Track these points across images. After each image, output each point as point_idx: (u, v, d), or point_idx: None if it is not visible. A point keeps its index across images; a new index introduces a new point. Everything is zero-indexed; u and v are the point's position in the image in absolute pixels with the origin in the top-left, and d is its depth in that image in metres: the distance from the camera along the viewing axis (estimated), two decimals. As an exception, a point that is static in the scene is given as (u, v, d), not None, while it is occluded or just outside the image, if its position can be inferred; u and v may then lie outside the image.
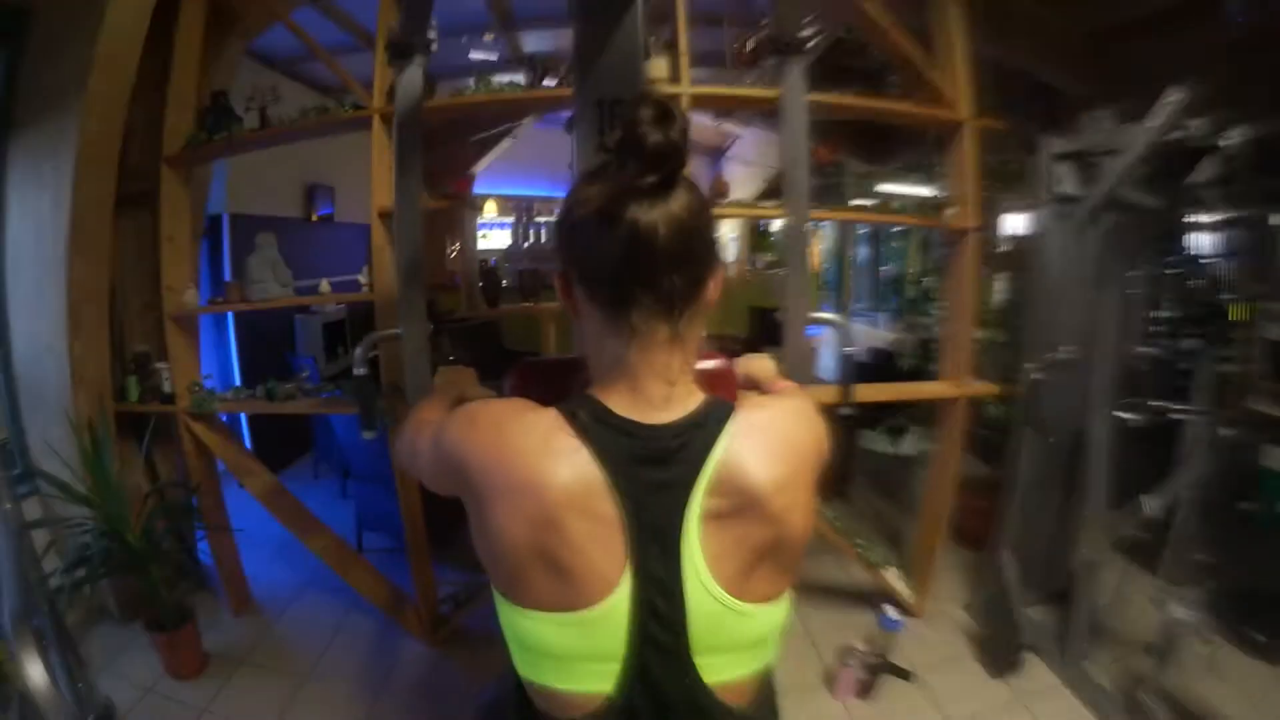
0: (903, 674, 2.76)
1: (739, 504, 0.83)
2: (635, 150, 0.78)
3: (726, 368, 1.37)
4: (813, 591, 3.40)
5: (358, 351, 1.74)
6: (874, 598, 3.22)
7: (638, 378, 0.85)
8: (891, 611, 2.81)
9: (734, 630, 0.85)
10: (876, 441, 5.26)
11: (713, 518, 0.83)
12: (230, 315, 4.55)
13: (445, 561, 3.28)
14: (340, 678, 2.83)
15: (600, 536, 0.81)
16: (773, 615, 0.89)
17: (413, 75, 1.35)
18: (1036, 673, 2.78)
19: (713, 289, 0.88)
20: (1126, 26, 4.03)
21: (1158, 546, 2.35)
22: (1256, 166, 4.72)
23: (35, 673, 1.94)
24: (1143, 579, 2.87)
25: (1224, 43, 3.57)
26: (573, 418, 0.84)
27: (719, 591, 0.83)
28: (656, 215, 0.79)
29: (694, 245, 0.82)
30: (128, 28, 2.67)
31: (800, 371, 1.50)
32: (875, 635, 2.85)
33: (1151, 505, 2.29)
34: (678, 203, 0.80)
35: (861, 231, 13.80)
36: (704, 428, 0.85)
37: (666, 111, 0.78)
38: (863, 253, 14.42)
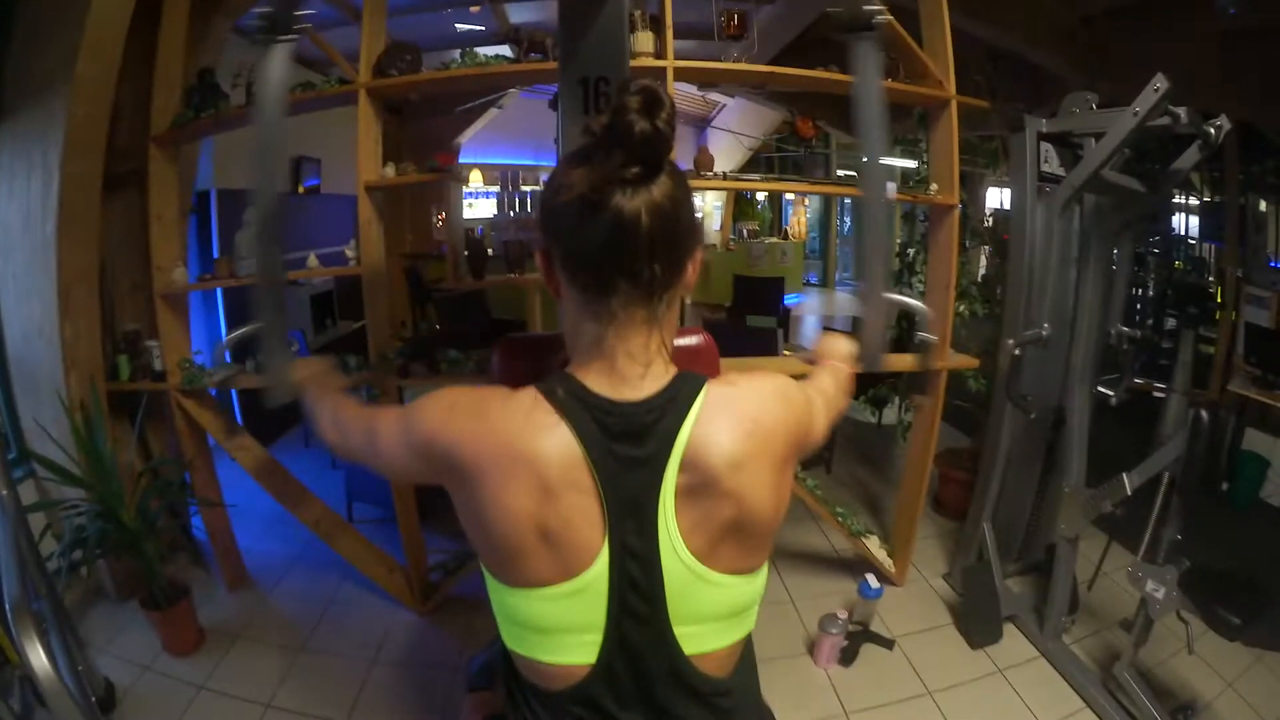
0: (884, 643, 2.83)
1: (704, 480, 0.85)
2: (622, 138, 0.78)
3: (706, 342, 1.41)
4: (794, 559, 3.47)
5: (215, 351, 1.56)
6: (855, 566, 3.30)
7: (615, 358, 0.87)
8: (872, 580, 2.87)
9: (710, 601, 0.89)
10: (858, 411, 5.34)
11: (685, 493, 0.85)
12: (219, 291, 4.54)
13: (434, 530, 3.32)
14: (335, 648, 2.88)
15: (583, 508, 0.84)
16: (748, 587, 0.92)
17: (279, 57, 1.29)
18: (1015, 644, 2.85)
19: (691, 271, 0.90)
20: (1119, 12, 4.05)
21: (1136, 524, 2.40)
22: (1240, 153, 4.80)
23: (37, 658, 1.97)
24: (1122, 556, 2.95)
25: (1215, 33, 3.60)
26: (551, 395, 0.86)
27: (693, 562, 0.86)
28: (639, 203, 0.80)
29: (675, 231, 0.84)
30: (114, 11, 2.64)
31: (871, 357, 1.47)
32: (856, 603, 2.92)
33: (1132, 483, 2.35)
34: (660, 190, 0.81)
35: (847, 202, 13.86)
36: (675, 403, 0.87)
37: (655, 99, 0.79)
38: (848, 224, 14.50)
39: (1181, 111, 2.19)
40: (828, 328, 6.55)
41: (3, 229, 2.84)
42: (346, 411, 1.15)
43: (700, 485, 0.85)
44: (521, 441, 0.83)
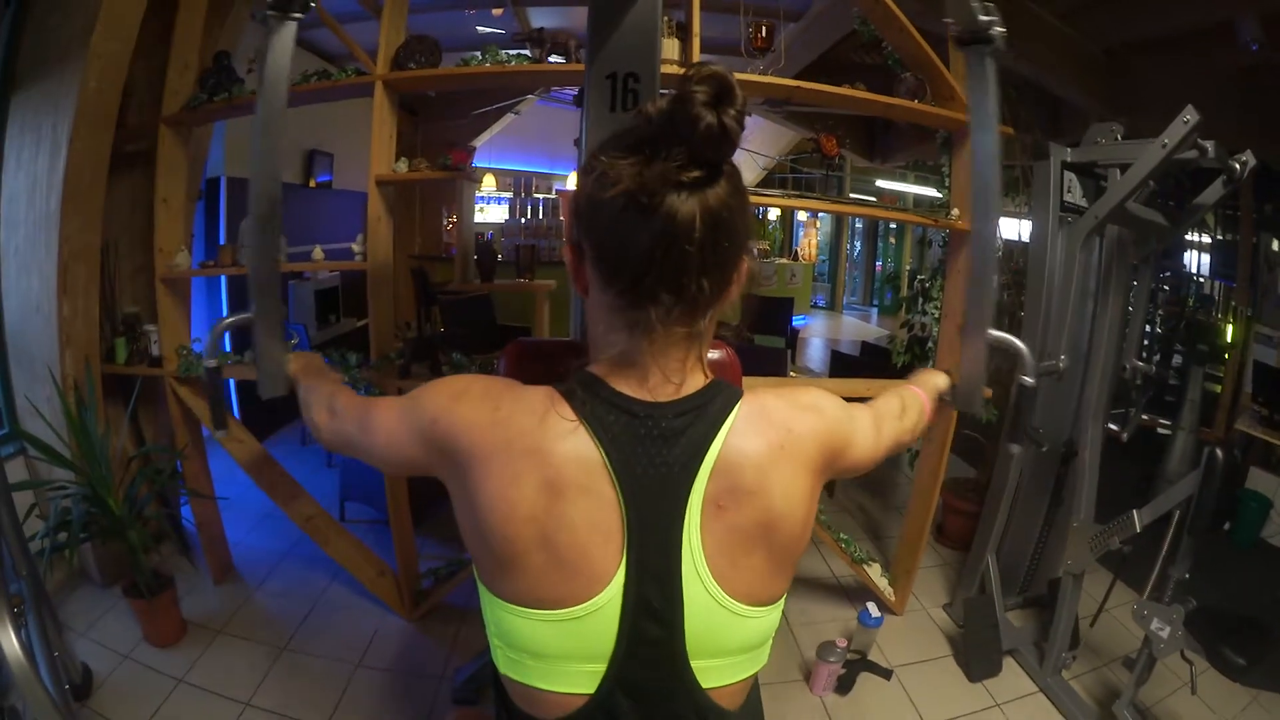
0: (882, 672, 2.77)
1: (733, 488, 0.79)
2: (685, 131, 0.70)
3: (729, 357, 1.36)
4: (795, 585, 3.39)
5: (208, 341, 1.53)
6: (855, 593, 3.24)
7: (647, 370, 0.80)
8: (873, 608, 2.81)
9: (731, 633, 0.83)
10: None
11: (713, 505, 0.79)
12: (223, 280, 4.50)
13: (428, 535, 3.28)
14: (318, 649, 2.81)
15: (598, 523, 0.77)
16: (767, 620, 0.87)
17: (287, 35, 1.24)
18: (1014, 678, 2.80)
19: (736, 286, 0.83)
20: (1143, 46, 4.05)
21: (1141, 563, 2.35)
22: (1256, 192, 4.79)
23: (8, 642, 1.91)
24: (1125, 593, 2.89)
25: (1237, 68, 3.60)
26: (570, 395, 0.80)
27: (715, 588, 0.80)
28: (694, 208, 0.71)
29: (729, 243, 0.76)
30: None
31: (967, 398, 1.43)
32: (855, 631, 2.87)
33: (1142, 520, 2.30)
34: (716, 195, 0.73)
35: (859, 225, 13.90)
36: (709, 409, 0.81)
37: (726, 89, 0.70)
38: (858, 248, 14.56)
39: (1209, 145, 2.16)
40: (835, 351, 6.53)
41: (9, 200, 2.79)
42: (343, 398, 1.11)
43: (729, 495, 0.79)
44: (532, 438, 0.77)
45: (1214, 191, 2.39)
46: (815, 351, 9.19)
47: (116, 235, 3.10)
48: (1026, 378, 1.40)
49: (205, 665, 2.68)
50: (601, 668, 0.80)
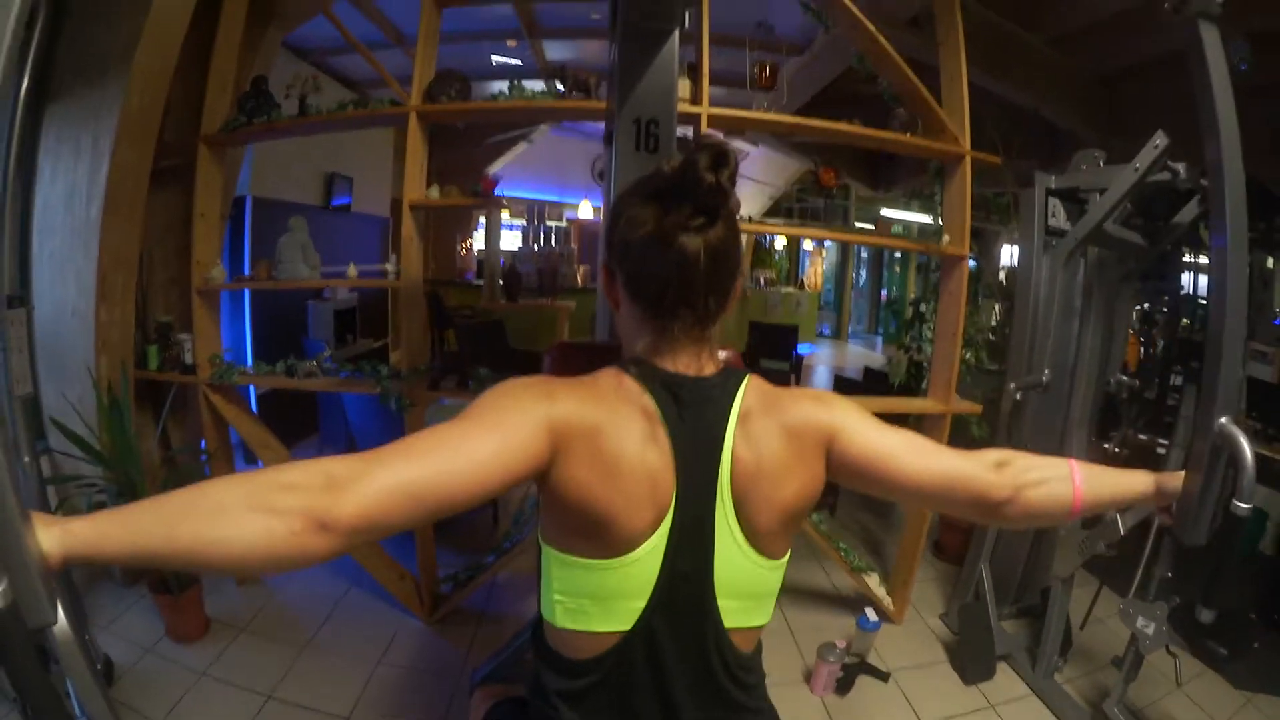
0: (879, 674, 2.87)
1: (750, 446, 0.98)
2: (691, 188, 0.91)
3: (733, 357, 1.53)
4: (796, 594, 3.52)
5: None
6: (855, 603, 3.33)
7: (675, 357, 1.01)
8: (870, 613, 2.93)
9: (747, 577, 1.01)
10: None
11: (737, 460, 0.98)
12: (247, 295, 4.66)
13: (447, 545, 3.39)
14: (339, 648, 2.92)
15: (661, 468, 0.95)
16: (772, 575, 1.04)
17: None
18: (1008, 682, 2.89)
19: (733, 299, 1.04)
20: (1134, 70, 4.19)
21: (1128, 566, 2.46)
22: (1249, 210, 4.90)
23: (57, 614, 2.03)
24: (1114, 598, 2.99)
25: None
26: (627, 370, 1.00)
27: (740, 537, 0.98)
28: (700, 245, 0.93)
29: (727, 268, 0.98)
30: (176, 6, 2.79)
31: (1188, 519, 1.12)
32: (854, 635, 2.97)
33: (1125, 523, 2.41)
34: (717, 234, 0.95)
35: (864, 255, 14.07)
36: (727, 384, 1.02)
37: (722, 157, 0.92)
38: (863, 276, 14.71)
39: (1180, 167, 2.31)
40: (838, 376, 6.66)
41: (44, 207, 2.92)
42: (329, 464, 0.79)
43: (740, 449, 0.98)
44: (621, 401, 0.97)
45: (1189, 211, 2.54)
46: (820, 378, 9.31)
47: (151, 247, 3.26)
48: (1241, 504, 1.07)
49: (228, 660, 2.78)
50: (643, 602, 0.97)
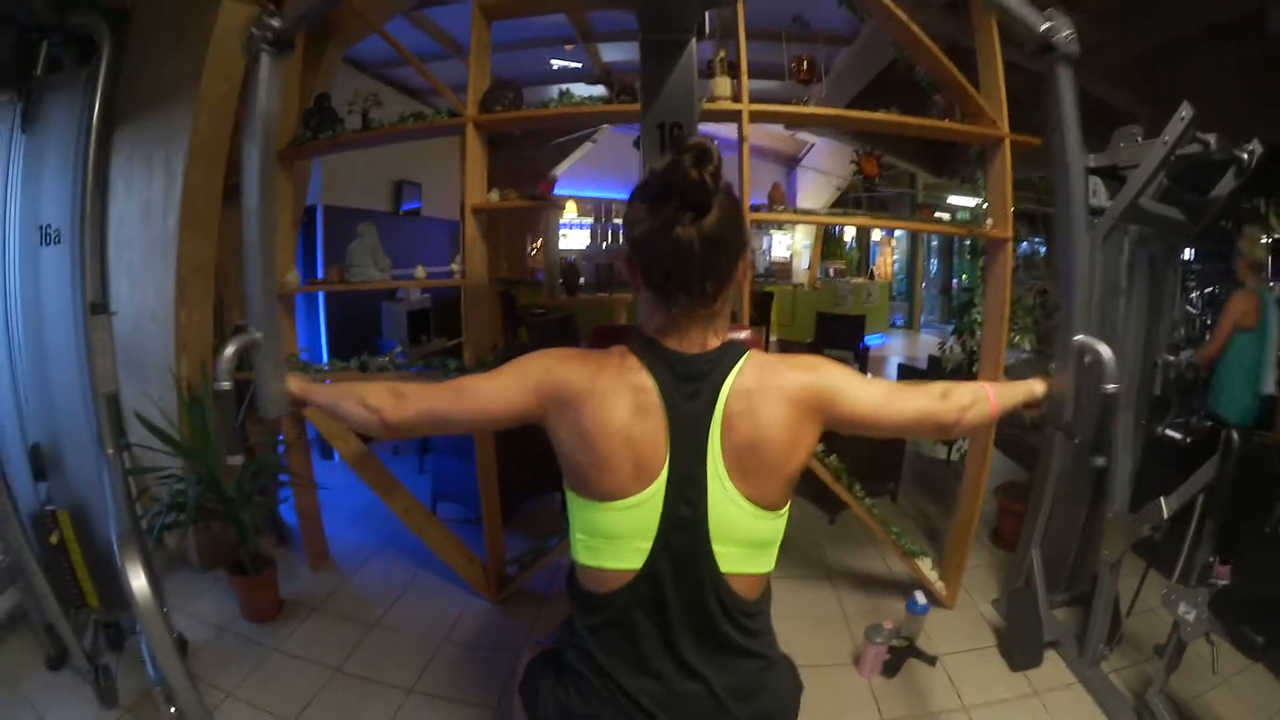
0: (927, 658, 2.89)
1: (740, 414, 1.11)
2: (679, 185, 1.03)
3: (752, 337, 1.62)
4: (850, 578, 3.57)
5: (221, 365, 1.37)
6: (908, 588, 3.34)
7: (681, 336, 1.15)
8: (919, 596, 2.95)
9: (738, 523, 1.13)
10: (926, 447, 5.42)
11: (727, 425, 1.11)
12: (321, 299, 4.91)
13: (513, 531, 3.57)
14: (408, 626, 3.09)
15: (655, 433, 1.11)
16: (766, 524, 1.16)
17: (279, 69, 1.39)
18: (1055, 670, 2.88)
19: (741, 271, 1.15)
20: (1175, 44, 4.08)
21: (1174, 550, 2.43)
22: None
23: (138, 581, 2.24)
24: (1162, 583, 2.95)
25: (1258, 59, 3.59)
26: (632, 349, 1.16)
27: (731, 488, 1.12)
28: (693, 236, 1.05)
29: (724, 252, 1.09)
30: (236, 34, 2.98)
31: (1056, 408, 1.39)
32: (904, 619, 3.00)
33: (1169, 506, 2.39)
34: (710, 223, 1.05)
35: (934, 244, 13.81)
36: (724, 359, 1.14)
37: (704, 154, 1.04)
38: (934, 266, 14.44)
39: (1211, 138, 2.27)
40: (902, 364, 6.62)
41: (120, 221, 3.19)
42: (405, 386, 1.25)
43: (735, 417, 1.11)
44: (618, 377, 1.13)
45: (1227, 183, 2.49)
46: (889, 368, 9.20)
47: (226, 258, 3.49)
48: (1109, 385, 1.31)
49: (299, 637, 2.99)
50: (649, 544, 1.13)
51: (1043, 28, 1.26)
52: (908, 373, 5.79)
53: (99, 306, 2.47)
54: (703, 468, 1.11)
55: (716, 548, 1.13)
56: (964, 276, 13.43)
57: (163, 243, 3.11)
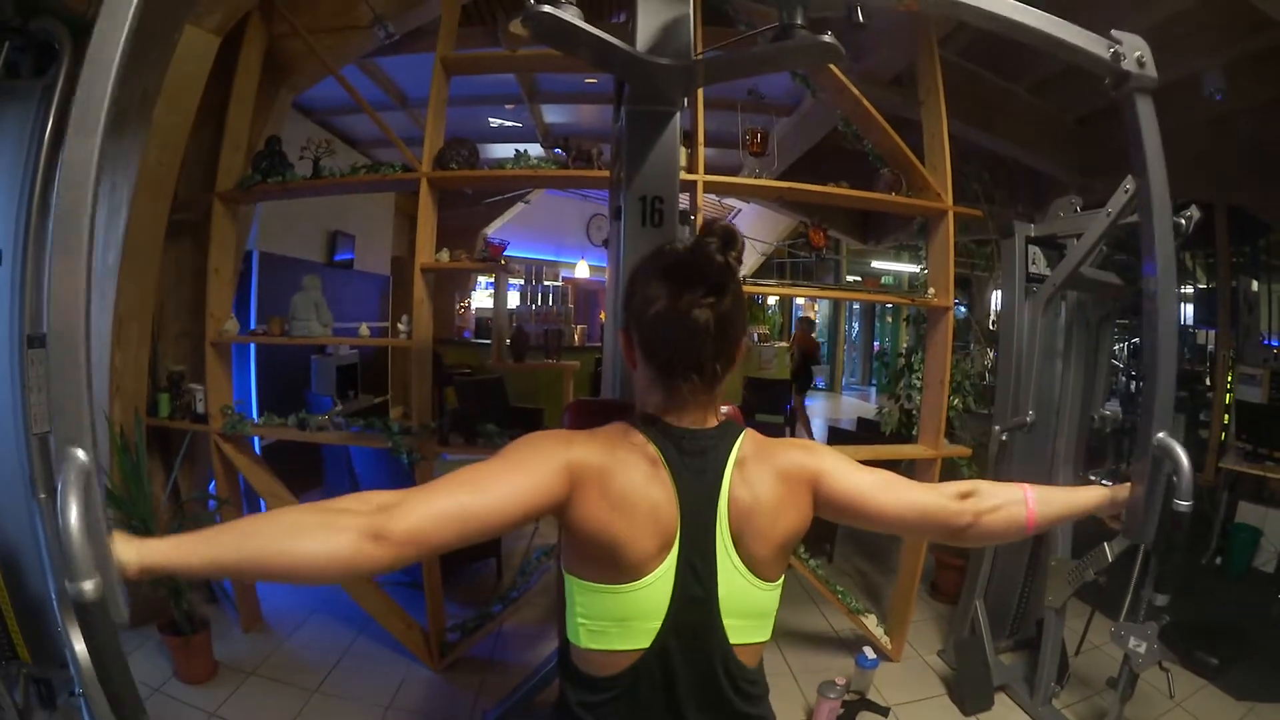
0: (879, 710, 2.91)
1: (743, 486, 1.11)
2: (704, 267, 1.05)
3: (733, 412, 1.64)
4: (795, 638, 3.56)
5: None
6: (853, 644, 3.38)
7: (681, 414, 1.13)
8: (869, 651, 3.00)
9: (748, 598, 1.12)
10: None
11: (732, 499, 1.10)
12: (252, 348, 4.74)
13: (451, 598, 3.45)
14: (348, 694, 2.94)
15: (668, 503, 1.07)
16: (768, 596, 1.16)
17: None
18: (1007, 710, 2.95)
19: (738, 361, 1.15)
20: (1109, 111, 4.33)
21: (1118, 593, 2.55)
22: (1231, 237, 5.04)
23: (81, 647, 2.07)
24: (1107, 624, 3.06)
25: (1203, 120, 3.85)
26: (635, 424, 1.13)
27: (739, 563, 1.10)
28: (709, 318, 1.04)
29: (732, 335, 1.09)
30: (194, 67, 2.94)
31: (1136, 522, 1.29)
32: (854, 673, 3.02)
33: (1112, 551, 2.49)
34: (724, 305, 1.06)
35: (856, 308, 14.29)
36: (726, 436, 1.14)
37: (730, 238, 1.08)
38: (855, 329, 14.92)
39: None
40: (832, 427, 6.76)
41: (55, 249, 3.03)
42: (368, 495, 0.98)
43: (735, 489, 1.11)
44: (630, 449, 1.10)
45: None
46: (815, 430, 9.38)
47: (163, 299, 3.36)
48: (1182, 502, 1.17)
49: (237, 702, 2.82)
50: (658, 623, 1.08)
51: (1109, 52, 1.14)
52: (838, 435, 5.90)
53: (36, 340, 2.31)
54: (712, 542, 1.10)
55: (726, 621, 1.11)
56: (886, 340, 14.04)
57: (101, 281, 2.92)
